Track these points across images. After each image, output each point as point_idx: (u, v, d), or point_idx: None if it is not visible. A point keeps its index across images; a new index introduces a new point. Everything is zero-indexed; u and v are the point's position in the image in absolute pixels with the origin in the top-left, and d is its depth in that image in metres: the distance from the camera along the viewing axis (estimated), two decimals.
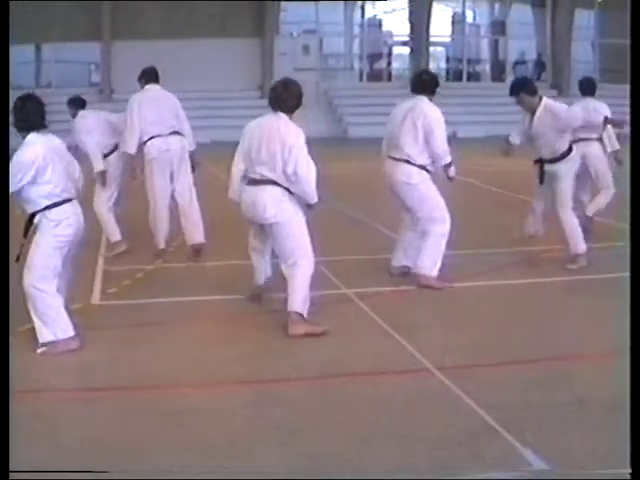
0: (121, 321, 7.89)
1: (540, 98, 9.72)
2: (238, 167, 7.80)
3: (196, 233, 10.55)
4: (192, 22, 32.71)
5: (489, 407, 5.62)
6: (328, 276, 9.07)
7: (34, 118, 7.07)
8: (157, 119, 10.35)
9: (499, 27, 38.58)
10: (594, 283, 9.02)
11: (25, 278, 6.97)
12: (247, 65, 33.43)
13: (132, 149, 10.39)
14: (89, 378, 6.44)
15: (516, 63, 38.13)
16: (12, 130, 7.02)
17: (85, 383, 6.31)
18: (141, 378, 6.42)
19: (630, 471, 3.89)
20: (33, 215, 7.02)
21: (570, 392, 5.97)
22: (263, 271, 8.27)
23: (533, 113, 9.70)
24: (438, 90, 9.22)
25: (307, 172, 7.40)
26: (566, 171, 9.71)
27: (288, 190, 7.46)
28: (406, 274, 9.22)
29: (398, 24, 38.09)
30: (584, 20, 37.82)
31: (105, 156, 10.81)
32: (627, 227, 5.50)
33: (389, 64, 39.48)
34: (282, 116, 7.55)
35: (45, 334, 6.96)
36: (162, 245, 10.48)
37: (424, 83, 9.18)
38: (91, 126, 10.89)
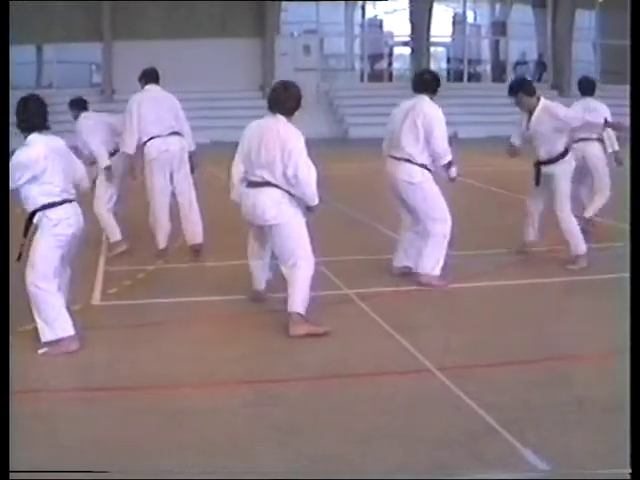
0: (121, 321, 7.90)
1: (538, 99, 9.74)
2: (238, 169, 7.80)
3: (195, 233, 10.59)
4: (193, 22, 32.70)
5: (490, 407, 5.62)
6: (329, 276, 9.07)
7: (36, 119, 7.11)
8: (157, 119, 10.37)
9: (500, 27, 38.54)
10: (594, 283, 9.02)
11: (27, 277, 6.99)
12: (248, 65, 33.41)
13: (131, 149, 10.41)
14: (89, 378, 6.44)
15: (517, 64, 38.10)
16: (12, 130, 7.05)
17: (85, 383, 6.31)
18: (141, 378, 6.42)
19: (630, 471, 3.89)
20: (33, 214, 7.04)
21: (570, 392, 5.97)
22: (262, 275, 8.29)
23: (531, 113, 9.74)
24: (439, 90, 9.23)
25: (307, 175, 7.40)
26: (562, 173, 9.73)
27: (288, 192, 7.47)
28: (407, 274, 9.22)
29: (399, 24, 38.05)
30: (585, 21, 37.79)
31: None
32: (627, 227, 5.49)
33: (390, 64, 39.44)
34: (281, 118, 7.55)
35: (47, 333, 6.97)
36: (162, 245, 10.48)
37: (425, 82, 9.19)
38: (93, 127, 10.93)
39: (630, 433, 4.01)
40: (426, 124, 8.84)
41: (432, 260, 8.99)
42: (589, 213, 11.59)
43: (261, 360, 6.95)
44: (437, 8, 37.00)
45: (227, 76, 32.40)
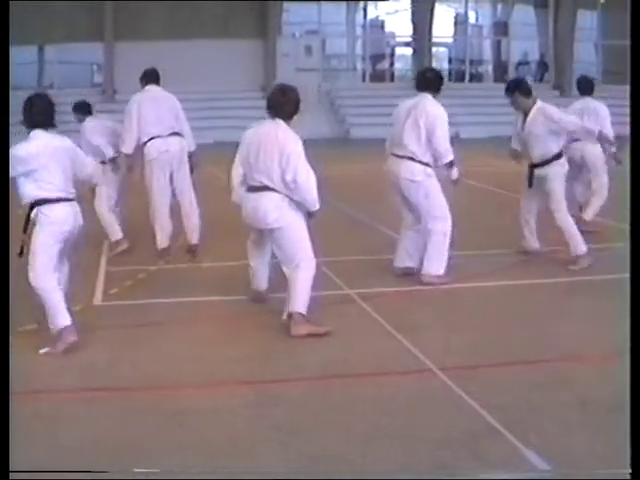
0: (123, 321, 7.89)
1: (534, 100, 9.78)
2: (237, 172, 7.82)
3: (192, 234, 10.65)
4: (194, 23, 32.69)
5: (491, 408, 5.62)
6: (330, 277, 9.08)
7: (41, 116, 7.19)
8: (157, 120, 10.38)
9: (501, 28, 38.53)
10: (595, 284, 9.01)
11: (29, 272, 7.03)
12: (249, 66, 33.40)
13: (129, 149, 10.44)
14: (90, 378, 6.43)
15: (519, 64, 38.06)
16: (13, 130, 7.09)
17: (86, 383, 6.30)
18: (142, 378, 6.42)
19: (630, 471, 3.89)
20: (32, 210, 7.11)
21: (572, 393, 5.96)
22: (263, 276, 8.30)
23: (526, 114, 9.78)
24: (442, 88, 9.23)
25: (306, 179, 7.40)
26: (556, 175, 9.75)
27: (288, 195, 7.47)
28: (409, 275, 9.22)
29: (400, 25, 38.04)
30: (587, 21, 37.76)
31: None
32: (627, 227, 5.49)
33: (392, 65, 39.45)
34: (280, 123, 7.55)
35: (50, 324, 7.04)
36: (163, 245, 10.48)
37: (428, 80, 9.18)
38: (97, 129, 10.97)
39: (630, 433, 4.01)
40: (428, 123, 8.84)
41: (435, 260, 9.01)
42: (589, 215, 11.61)
43: (262, 360, 6.96)
44: (439, 8, 36.98)
45: (229, 77, 32.41)
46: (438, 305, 8.52)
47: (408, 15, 37.28)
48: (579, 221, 11.04)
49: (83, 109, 11.25)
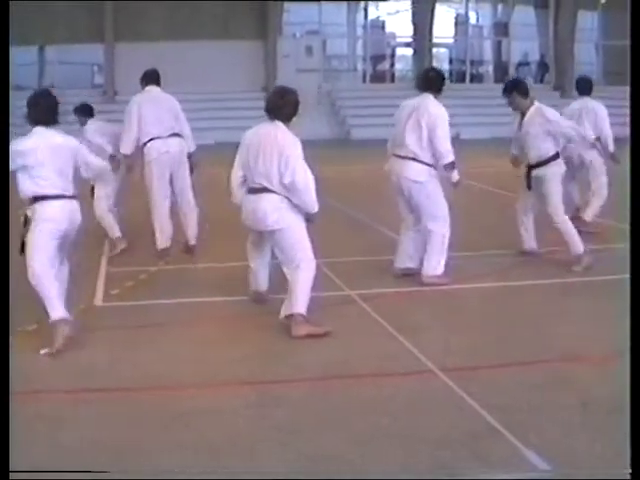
0: (124, 322, 7.89)
1: (532, 101, 9.81)
2: (237, 174, 7.84)
3: (191, 234, 10.71)
4: (195, 23, 32.71)
5: (492, 408, 5.63)
6: (331, 277, 9.08)
7: (44, 114, 7.26)
8: (157, 120, 10.40)
9: (502, 28, 38.56)
10: (595, 284, 9.01)
11: (27, 268, 7.08)
12: (250, 67, 33.42)
13: (127, 150, 10.47)
14: (91, 379, 6.42)
15: (519, 64, 38.08)
16: (13, 131, 7.14)
17: (87, 384, 6.29)
18: (143, 379, 6.42)
19: (630, 471, 3.90)
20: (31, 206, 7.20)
21: (573, 394, 5.96)
22: (263, 277, 8.31)
23: (524, 115, 9.82)
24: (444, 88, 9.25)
25: (305, 182, 7.41)
26: (553, 176, 9.78)
27: (287, 197, 7.48)
28: (409, 275, 9.23)
29: (401, 25, 38.07)
30: (587, 21, 37.77)
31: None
32: (627, 228, 5.49)
33: (392, 65, 39.46)
34: (279, 125, 7.56)
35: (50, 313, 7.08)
36: (163, 246, 10.49)
37: (430, 80, 9.18)
38: (100, 131, 11.00)
39: (630, 434, 4.02)
40: (430, 123, 8.84)
41: (434, 261, 9.02)
42: (589, 216, 11.64)
43: (263, 361, 6.96)
44: (439, 9, 37.01)
45: (229, 77, 32.44)
46: (438, 306, 8.52)
47: (409, 16, 37.31)
48: (579, 222, 11.06)
49: (85, 111, 11.31)
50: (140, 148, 10.48)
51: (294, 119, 7.66)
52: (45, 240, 7.10)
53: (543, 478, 4.85)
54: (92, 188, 10.84)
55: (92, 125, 11.10)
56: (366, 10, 38.09)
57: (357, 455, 5.05)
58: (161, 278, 9.61)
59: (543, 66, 37.76)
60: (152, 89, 10.64)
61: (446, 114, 8.93)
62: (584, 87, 12.06)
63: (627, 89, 6.36)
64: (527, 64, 38.49)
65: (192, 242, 10.71)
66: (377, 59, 38.47)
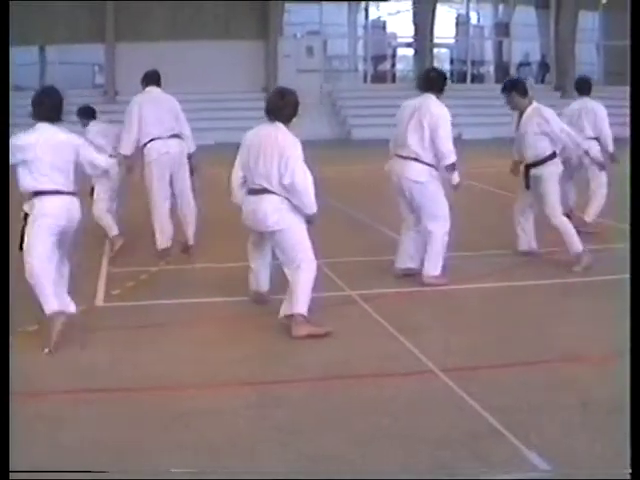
0: (124, 323, 7.90)
1: (530, 101, 9.85)
2: (238, 175, 7.85)
3: (189, 235, 10.76)
4: (196, 24, 32.72)
5: (492, 409, 5.63)
6: (332, 278, 9.09)
7: (49, 111, 7.37)
8: (157, 121, 10.42)
9: (503, 29, 38.56)
10: (595, 285, 9.01)
11: (24, 264, 7.14)
12: (251, 67, 33.43)
13: (127, 150, 10.48)
14: (92, 379, 6.42)
15: (520, 65, 38.06)
16: (13, 131, 7.18)
17: (88, 384, 6.29)
18: (144, 379, 6.42)
19: (630, 471, 3.90)
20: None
21: (574, 394, 5.96)
22: (264, 277, 8.31)
23: (522, 114, 9.85)
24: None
25: (304, 183, 7.41)
26: (549, 175, 9.80)
27: (287, 198, 7.48)
28: (410, 276, 9.23)
29: (402, 26, 38.04)
30: (588, 22, 37.75)
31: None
32: (627, 228, 5.49)
33: (393, 66, 39.45)
34: (280, 126, 7.56)
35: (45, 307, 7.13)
36: (163, 246, 10.49)
37: (432, 80, 9.18)
38: (102, 133, 11.02)
39: (630, 434, 4.02)
40: (432, 124, 8.83)
41: (435, 261, 9.03)
42: (589, 216, 11.65)
43: (264, 361, 6.96)
44: (440, 9, 37.01)
45: (230, 77, 32.45)
46: (439, 306, 8.52)
47: (410, 16, 37.31)
48: (580, 222, 11.08)
49: (87, 113, 11.36)
50: (140, 149, 10.48)
51: (294, 120, 7.67)
52: (42, 235, 7.14)
53: (543, 478, 4.86)
54: (92, 188, 10.86)
55: (94, 127, 11.12)
56: (367, 10, 38.08)
57: (358, 455, 5.05)
58: (162, 278, 9.61)
59: (544, 66, 37.76)
60: (152, 90, 10.66)
61: (448, 114, 8.93)
62: (583, 87, 12.09)
63: (627, 89, 6.35)
64: (528, 64, 38.48)
65: (190, 242, 10.74)
66: (378, 59, 38.47)
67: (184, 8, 32.52)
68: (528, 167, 9.93)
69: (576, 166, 11.54)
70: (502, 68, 38.31)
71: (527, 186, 9.97)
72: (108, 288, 9.10)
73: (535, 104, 9.90)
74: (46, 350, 6.93)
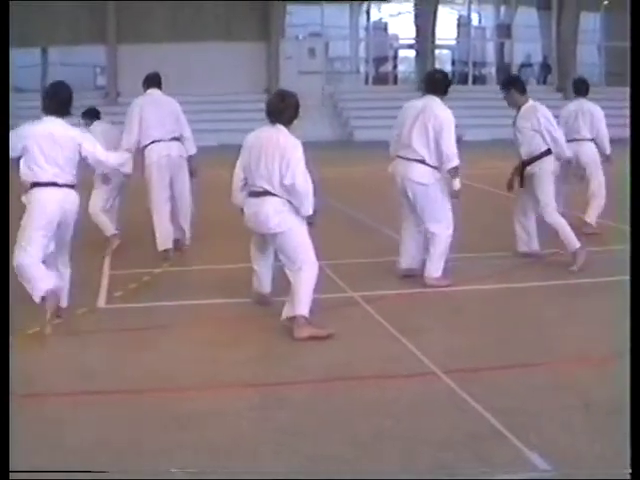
0: (127, 324, 7.90)
1: (527, 99, 9.90)
2: (239, 177, 7.86)
3: (185, 235, 10.93)
4: (197, 25, 32.74)
5: (494, 410, 5.63)
6: (334, 279, 9.10)
7: (56, 105, 7.55)
8: (159, 123, 10.46)
9: (505, 30, 38.55)
10: (596, 286, 9.01)
11: (15, 251, 7.31)
12: (253, 68, 33.44)
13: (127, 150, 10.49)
14: (94, 381, 6.43)
15: (522, 66, 38.03)
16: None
17: (90, 386, 6.30)
18: (147, 381, 6.43)
19: (630, 471, 3.91)
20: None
21: (575, 395, 5.97)
22: (267, 279, 8.32)
23: (519, 111, 9.91)
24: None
25: (304, 184, 7.43)
26: (543, 172, 9.83)
27: (288, 200, 7.50)
28: (412, 276, 9.24)
29: (404, 27, 38.02)
30: (590, 23, 37.74)
31: None
32: (627, 228, 5.51)
33: (395, 67, 39.43)
34: (281, 128, 7.58)
35: (35, 294, 7.30)
36: (163, 247, 10.50)
37: (436, 82, 9.18)
38: (105, 134, 11.04)
39: (630, 434, 4.03)
40: (437, 126, 8.82)
41: (436, 263, 9.03)
42: (590, 217, 11.67)
43: (266, 363, 6.97)
44: (442, 11, 37.00)
45: (232, 79, 32.46)
46: (441, 307, 8.53)
47: (411, 17, 37.30)
48: (582, 224, 11.11)
49: (92, 114, 11.44)
50: (141, 150, 10.51)
51: (295, 122, 7.69)
52: (35, 226, 7.22)
53: (544, 478, 4.87)
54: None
55: (98, 126, 11.15)
56: (368, 12, 38.06)
57: (360, 457, 5.06)
58: (164, 280, 9.62)
59: (546, 67, 37.76)
60: (154, 92, 10.70)
61: (452, 117, 8.92)
62: (580, 88, 12.15)
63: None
64: (530, 65, 38.48)
65: (187, 242, 10.90)
66: (380, 61, 38.46)
67: (185, 9, 32.54)
68: (524, 165, 9.95)
69: (573, 166, 11.52)
70: (504, 69, 38.21)
71: (521, 184, 10.00)
72: (110, 290, 9.11)
73: (532, 102, 9.94)
74: (47, 330, 7.02)
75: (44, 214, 7.31)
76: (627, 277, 5.01)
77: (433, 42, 36.45)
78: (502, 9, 39.08)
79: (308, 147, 7.61)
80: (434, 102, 8.99)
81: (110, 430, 5.47)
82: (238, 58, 32.93)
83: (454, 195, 9.06)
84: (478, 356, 6.90)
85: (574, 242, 9.64)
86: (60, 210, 7.37)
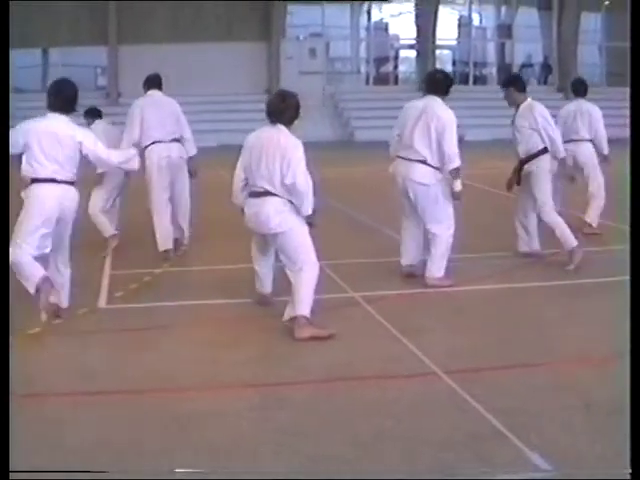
0: (127, 324, 7.90)
1: (526, 97, 9.92)
2: (239, 177, 7.86)
3: (183, 235, 10.97)
4: (198, 26, 32.76)
5: (495, 411, 5.63)
6: (335, 279, 9.10)
7: (60, 102, 7.58)
8: (159, 124, 10.47)
9: (505, 30, 38.57)
10: (596, 287, 9.01)
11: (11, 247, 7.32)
12: (254, 69, 33.46)
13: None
14: (94, 381, 6.43)
15: (523, 66, 38.05)
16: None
17: (90, 386, 6.30)
18: (147, 381, 6.43)
19: (630, 471, 3.91)
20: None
21: (576, 395, 5.97)
22: (268, 279, 8.33)
23: (518, 109, 9.94)
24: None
25: (304, 184, 7.44)
26: (540, 170, 9.84)
27: (289, 200, 7.51)
28: (414, 275, 9.24)
29: (404, 27, 38.05)
30: (591, 23, 37.77)
31: None
32: (626, 228, 5.51)
33: (396, 67, 39.46)
34: (282, 128, 7.58)
35: (30, 287, 7.34)
36: (163, 248, 10.50)
37: (438, 82, 9.17)
38: (106, 134, 11.05)
39: (630, 434, 4.03)
40: (439, 127, 8.81)
41: (437, 263, 9.03)
42: (591, 218, 11.68)
43: (267, 363, 6.97)
44: (443, 11, 37.02)
45: (233, 79, 32.48)
46: (442, 308, 8.52)
47: (412, 18, 37.32)
48: (582, 224, 11.12)
49: (93, 114, 11.45)
50: (141, 151, 10.50)
51: (296, 122, 7.69)
52: (33, 221, 7.24)
53: (544, 478, 4.86)
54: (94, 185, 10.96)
55: (98, 125, 11.15)
56: (369, 12, 38.09)
57: (361, 457, 5.06)
58: (165, 280, 9.62)
59: (547, 68, 37.79)
60: (154, 93, 10.71)
61: (454, 118, 8.91)
62: (579, 89, 12.16)
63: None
64: (531, 66, 38.51)
65: (185, 242, 10.93)
66: (380, 61, 38.49)
67: (186, 10, 32.56)
68: (522, 163, 9.96)
69: (571, 166, 11.50)
70: (505, 70, 38.21)
71: (518, 182, 10.02)
72: (111, 290, 9.11)
73: (530, 100, 9.95)
74: (44, 317, 7.04)
75: (42, 210, 7.33)
76: (627, 277, 5.01)
77: (434, 42, 36.47)
78: (503, 9, 39.10)
79: (309, 147, 7.61)
80: (435, 102, 8.99)
81: (110, 430, 5.47)
82: (239, 58, 32.95)
83: (455, 196, 9.05)
84: (479, 356, 6.89)
85: (571, 241, 9.64)
86: (59, 206, 7.39)
